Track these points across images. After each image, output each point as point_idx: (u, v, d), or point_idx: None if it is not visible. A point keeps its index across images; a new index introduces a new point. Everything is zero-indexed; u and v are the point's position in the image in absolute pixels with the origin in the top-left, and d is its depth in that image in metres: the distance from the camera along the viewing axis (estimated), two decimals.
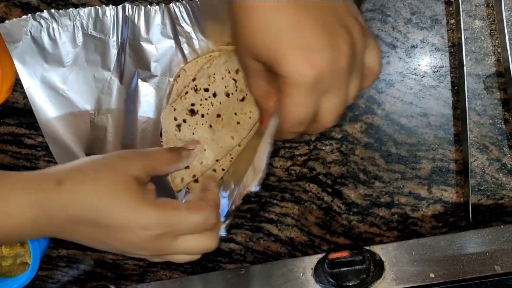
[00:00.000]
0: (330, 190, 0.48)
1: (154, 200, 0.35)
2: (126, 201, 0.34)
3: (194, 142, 0.43)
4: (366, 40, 0.32)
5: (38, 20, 0.43)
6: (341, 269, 0.43)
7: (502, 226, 0.44)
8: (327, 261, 0.43)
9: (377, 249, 0.46)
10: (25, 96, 0.47)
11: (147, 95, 0.45)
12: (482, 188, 0.46)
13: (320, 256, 0.47)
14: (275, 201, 0.50)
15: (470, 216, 0.46)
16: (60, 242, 0.53)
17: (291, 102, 0.32)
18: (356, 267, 0.42)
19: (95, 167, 0.35)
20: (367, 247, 0.45)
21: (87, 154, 0.46)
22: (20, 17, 0.43)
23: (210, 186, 0.40)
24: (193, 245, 0.36)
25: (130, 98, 0.45)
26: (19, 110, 0.48)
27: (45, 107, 0.45)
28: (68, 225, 0.34)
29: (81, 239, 0.35)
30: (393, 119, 0.45)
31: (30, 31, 0.43)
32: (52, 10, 0.42)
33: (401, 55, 0.44)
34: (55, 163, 0.49)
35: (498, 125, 0.45)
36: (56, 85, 0.44)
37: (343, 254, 0.42)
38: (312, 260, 0.46)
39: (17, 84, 0.46)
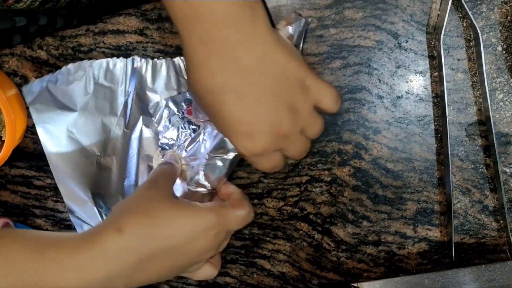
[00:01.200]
0: (320, 228, 0.51)
1: (201, 204, 0.39)
2: (184, 215, 0.37)
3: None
4: (312, 99, 0.37)
5: (56, 76, 0.45)
6: None
7: (483, 266, 0.47)
8: None
9: (365, 285, 0.48)
10: (34, 142, 0.50)
11: (148, 139, 0.48)
12: (465, 227, 0.49)
13: None
14: (268, 238, 0.52)
15: (453, 254, 0.49)
16: None
17: (252, 162, 0.40)
18: None
19: (142, 202, 0.38)
20: (355, 284, 0.48)
21: (93, 193, 0.48)
22: (31, 69, 0.46)
23: (229, 188, 0.45)
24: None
25: (134, 141, 0.47)
26: (29, 154, 0.50)
27: (55, 148, 0.47)
28: (139, 266, 0.36)
29: (153, 274, 0.37)
30: (380, 164, 0.48)
31: (46, 84, 0.46)
32: (69, 66, 0.45)
33: (387, 105, 0.46)
34: (63, 202, 0.52)
35: (480, 170, 0.47)
36: (67, 129, 0.47)
37: None
38: None
39: (28, 131, 0.49)
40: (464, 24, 0.44)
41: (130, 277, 0.36)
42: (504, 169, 0.47)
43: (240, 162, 0.49)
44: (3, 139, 0.47)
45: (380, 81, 0.45)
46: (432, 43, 0.44)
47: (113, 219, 0.37)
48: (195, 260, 0.40)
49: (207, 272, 0.44)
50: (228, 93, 0.34)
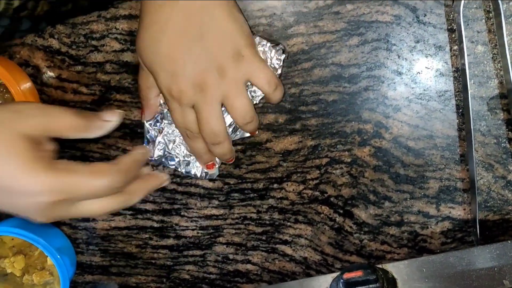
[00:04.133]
0: (341, 211, 0.50)
1: (50, 163, 0.31)
2: (13, 163, 0.30)
3: (114, 112, 0.38)
4: (244, 71, 0.39)
5: None
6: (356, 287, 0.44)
7: (509, 242, 0.46)
8: (342, 280, 0.45)
9: (389, 267, 0.48)
10: None
11: None
12: (488, 204, 0.48)
13: (334, 275, 0.48)
14: (288, 224, 0.51)
15: (478, 231, 0.48)
16: (85, 269, 0.55)
17: (168, 107, 0.40)
18: (371, 286, 0.44)
19: None
20: (379, 265, 0.47)
21: None
22: (43, 59, 0.46)
23: (133, 148, 0.40)
24: (95, 208, 0.34)
25: None
26: None
27: None
28: None
29: None
30: (401, 142, 0.47)
31: None
32: None
33: (407, 82, 0.45)
34: None
35: (503, 144, 0.46)
36: None
37: (357, 274, 0.44)
38: (327, 280, 0.48)
39: None
40: None
41: None
42: None
43: (258, 147, 0.49)
44: None
45: (399, 57, 0.45)
46: (451, 16, 0.44)
47: None
48: (18, 214, 0.33)
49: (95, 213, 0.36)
50: (170, 28, 0.36)
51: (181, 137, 0.44)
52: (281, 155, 0.49)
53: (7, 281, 0.52)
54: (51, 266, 0.51)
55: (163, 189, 0.51)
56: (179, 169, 0.46)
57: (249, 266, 0.54)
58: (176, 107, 0.39)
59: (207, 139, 0.40)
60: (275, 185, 0.50)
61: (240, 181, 0.50)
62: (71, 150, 0.50)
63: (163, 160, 0.45)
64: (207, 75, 0.38)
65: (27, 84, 0.46)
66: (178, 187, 0.51)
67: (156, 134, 0.45)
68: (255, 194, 0.51)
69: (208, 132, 0.40)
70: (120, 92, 0.47)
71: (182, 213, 0.52)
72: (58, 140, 0.35)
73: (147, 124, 0.45)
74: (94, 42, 0.46)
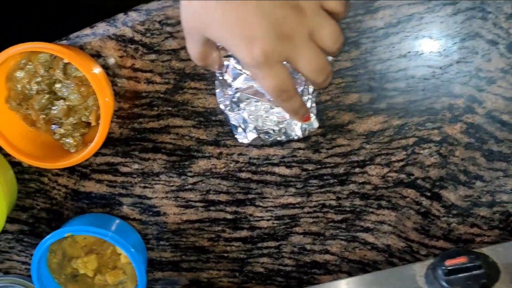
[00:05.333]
0: (428, 194, 0.47)
1: None
2: None
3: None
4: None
5: None
6: (458, 275, 0.42)
7: None
8: (443, 268, 0.42)
9: (485, 251, 0.45)
10: (120, 126, 0.47)
11: None
12: None
13: (427, 263, 0.46)
14: (371, 209, 0.49)
15: None
16: (155, 265, 0.53)
17: (256, 78, 0.37)
18: (474, 272, 0.41)
19: None
20: (477, 250, 0.44)
21: None
22: (115, 49, 0.44)
23: None
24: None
25: None
26: (115, 140, 0.47)
27: None
28: None
29: None
30: (495, 117, 0.44)
31: None
32: None
33: (502, 52, 0.42)
34: (151, 188, 0.49)
35: None
36: None
37: (460, 260, 0.41)
38: (419, 268, 0.45)
39: (113, 114, 0.46)
40: None
41: None
42: None
43: (339, 129, 0.46)
44: (92, 124, 0.44)
45: (495, 25, 0.42)
46: None
47: None
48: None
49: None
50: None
51: (266, 109, 0.41)
52: (364, 137, 0.46)
53: (77, 283, 0.50)
54: (124, 264, 0.49)
55: (237, 179, 0.49)
56: (278, 139, 0.43)
57: (327, 257, 0.51)
58: (266, 72, 0.35)
59: (316, 79, 0.37)
60: (357, 169, 0.47)
61: (319, 166, 0.48)
62: (142, 143, 0.47)
63: (259, 140, 0.43)
64: (285, 21, 0.34)
65: (98, 69, 0.43)
66: (253, 175, 0.48)
67: (240, 118, 0.42)
68: (335, 180, 0.48)
69: (316, 71, 0.36)
70: (195, 79, 0.45)
71: (256, 203, 0.50)
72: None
73: (228, 113, 0.42)
74: (169, 29, 0.43)
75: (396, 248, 0.50)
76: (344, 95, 0.45)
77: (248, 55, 0.34)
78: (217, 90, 0.43)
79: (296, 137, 0.43)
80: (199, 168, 0.48)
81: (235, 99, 0.42)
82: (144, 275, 0.46)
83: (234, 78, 0.41)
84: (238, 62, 0.40)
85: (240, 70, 0.41)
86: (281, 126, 0.42)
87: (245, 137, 0.43)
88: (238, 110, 0.42)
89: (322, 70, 0.37)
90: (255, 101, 0.41)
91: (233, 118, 0.42)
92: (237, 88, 0.41)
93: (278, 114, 0.41)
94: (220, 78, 0.42)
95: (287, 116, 0.41)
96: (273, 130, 0.42)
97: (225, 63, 0.41)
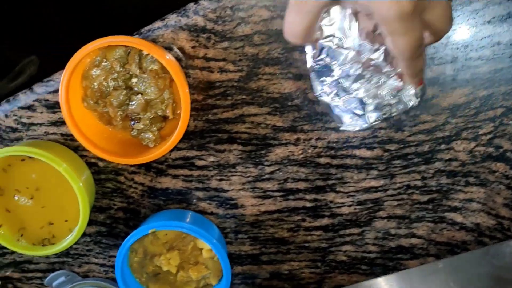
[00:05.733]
0: None
1: None
2: None
3: None
4: None
5: None
6: None
7: None
8: None
9: None
10: (195, 119, 0.46)
11: None
12: None
13: None
14: (458, 187, 0.47)
15: None
16: (234, 259, 0.52)
17: (392, 34, 0.33)
18: None
19: None
20: None
21: None
22: (188, 39, 0.43)
23: None
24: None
25: None
26: (190, 133, 0.47)
27: None
28: None
29: None
30: None
31: None
32: None
33: None
34: (228, 180, 0.48)
35: None
36: None
37: None
38: None
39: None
40: None
41: None
42: None
43: (422, 104, 0.44)
44: (170, 117, 0.44)
45: None
46: None
47: None
48: None
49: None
50: None
51: (377, 85, 0.38)
52: (449, 111, 0.44)
53: (159, 281, 0.49)
54: (206, 259, 0.48)
55: (316, 165, 0.47)
56: (394, 115, 0.40)
57: (413, 240, 0.50)
58: (409, 25, 0.33)
59: (446, 28, 0.35)
60: (443, 146, 0.45)
61: (402, 146, 0.46)
62: (217, 134, 0.47)
63: (372, 121, 0.40)
64: None
65: (174, 60, 0.43)
66: (332, 160, 0.47)
67: (355, 100, 0.39)
68: (420, 159, 0.46)
69: (450, 18, 0.34)
70: (269, 64, 0.44)
71: (337, 189, 0.48)
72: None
73: (335, 101, 0.39)
74: (241, 14, 0.42)
75: (485, 226, 0.48)
76: (426, 68, 0.43)
77: (395, 4, 0.32)
78: (314, 83, 0.40)
79: (413, 107, 0.39)
80: (276, 157, 0.47)
81: (341, 84, 0.39)
82: (229, 266, 0.45)
83: (337, 59, 0.38)
84: (340, 40, 0.38)
85: (343, 47, 0.38)
86: (397, 96, 0.39)
87: (364, 121, 0.39)
88: (349, 94, 0.39)
89: (451, 18, 0.35)
90: (368, 76, 0.38)
91: (343, 105, 0.39)
92: (342, 69, 0.38)
93: (391, 85, 0.38)
94: (317, 67, 0.39)
95: (399, 84, 0.39)
96: (386, 103, 0.39)
97: (325, 44, 0.37)
